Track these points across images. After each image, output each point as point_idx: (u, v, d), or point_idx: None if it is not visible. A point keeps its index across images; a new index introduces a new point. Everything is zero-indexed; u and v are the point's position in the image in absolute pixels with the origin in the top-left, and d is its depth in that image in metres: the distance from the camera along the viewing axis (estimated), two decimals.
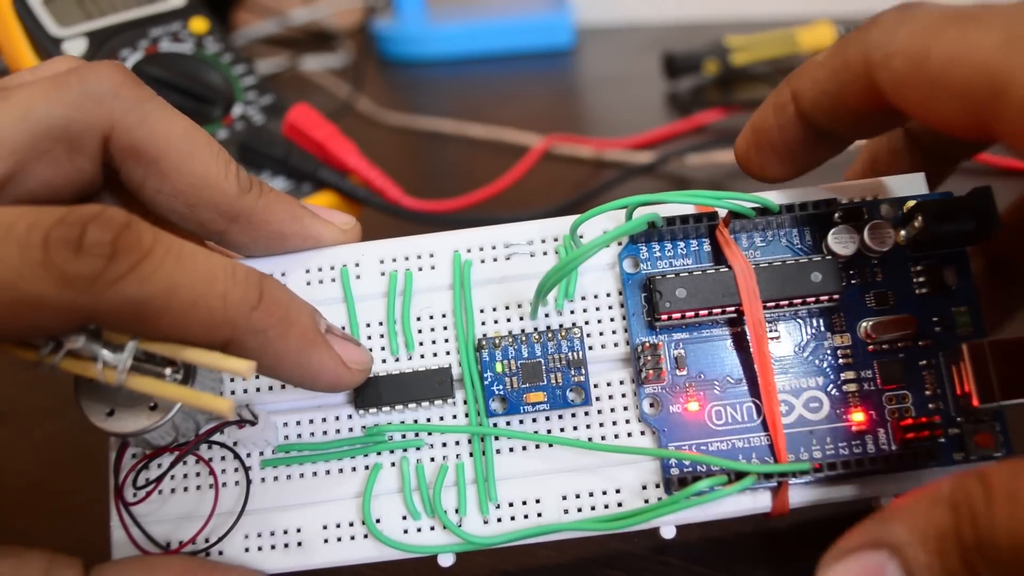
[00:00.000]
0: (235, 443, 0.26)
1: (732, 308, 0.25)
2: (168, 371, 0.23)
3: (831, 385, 0.26)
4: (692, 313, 0.25)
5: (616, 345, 0.26)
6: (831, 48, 0.24)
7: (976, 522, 0.20)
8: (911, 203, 0.26)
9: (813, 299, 0.25)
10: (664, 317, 0.25)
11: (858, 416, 0.25)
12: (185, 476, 0.26)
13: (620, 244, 0.27)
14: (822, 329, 0.26)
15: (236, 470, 0.26)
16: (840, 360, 0.26)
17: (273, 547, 0.26)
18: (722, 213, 0.26)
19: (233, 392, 0.27)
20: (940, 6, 0.22)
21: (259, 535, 0.26)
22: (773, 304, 0.25)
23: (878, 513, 0.22)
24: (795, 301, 0.25)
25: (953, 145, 0.25)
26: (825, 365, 0.26)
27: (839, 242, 0.26)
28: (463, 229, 0.28)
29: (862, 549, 0.22)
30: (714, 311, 0.25)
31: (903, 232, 0.26)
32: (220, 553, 0.25)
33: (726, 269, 0.25)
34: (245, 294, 0.22)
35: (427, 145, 0.62)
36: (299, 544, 0.25)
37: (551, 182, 0.54)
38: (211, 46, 0.47)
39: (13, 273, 0.20)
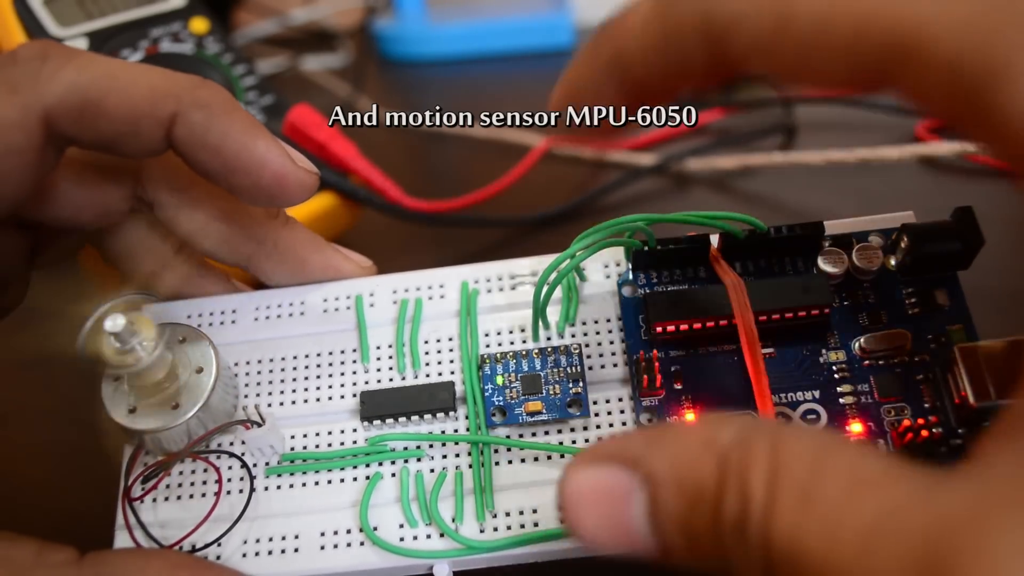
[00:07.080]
0: (243, 453, 0.27)
1: (725, 321, 0.26)
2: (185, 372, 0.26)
3: (828, 398, 0.26)
4: (686, 326, 0.26)
5: (615, 366, 0.27)
6: (652, 4, 0.19)
7: (748, 502, 0.16)
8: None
9: (804, 312, 0.26)
10: (659, 329, 0.26)
11: (856, 427, 0.25)
12: (192, 484, 0.27)
13: (620, 276, 0.28)
14: (816, 346, 0.26)
15: (242, 478, 0.27)
16: (836, 375, 0.26)
17: (270, 552, 0.26)
18: (714, 240, 0.27)
19: (245, 405, 0.28)
20: None
21: (257, 540, 0.26)
22: (765, 318, 0.26)
23: (654, 428, 0.20)
24: (787, 315, 0.26)
25: (672, 84, 0.20)
26: (821, 379, 0.26)
27: (829, 262, 0.27)
28: (472, 263, 0.29)
29: (618, 463, 0.18)
30: (707, 323, 0.26)
31: (892, 259, 0.27)
32: (218, 558, 0.26)
33: (719, 286, 0.26)
34: (188, 78, 0.25)
35: (427, 145, 0.62)
36: (296, 550, 0.26)
37: (552, 182, 0.54)
38: (211, 46, 0.47)
39: None
